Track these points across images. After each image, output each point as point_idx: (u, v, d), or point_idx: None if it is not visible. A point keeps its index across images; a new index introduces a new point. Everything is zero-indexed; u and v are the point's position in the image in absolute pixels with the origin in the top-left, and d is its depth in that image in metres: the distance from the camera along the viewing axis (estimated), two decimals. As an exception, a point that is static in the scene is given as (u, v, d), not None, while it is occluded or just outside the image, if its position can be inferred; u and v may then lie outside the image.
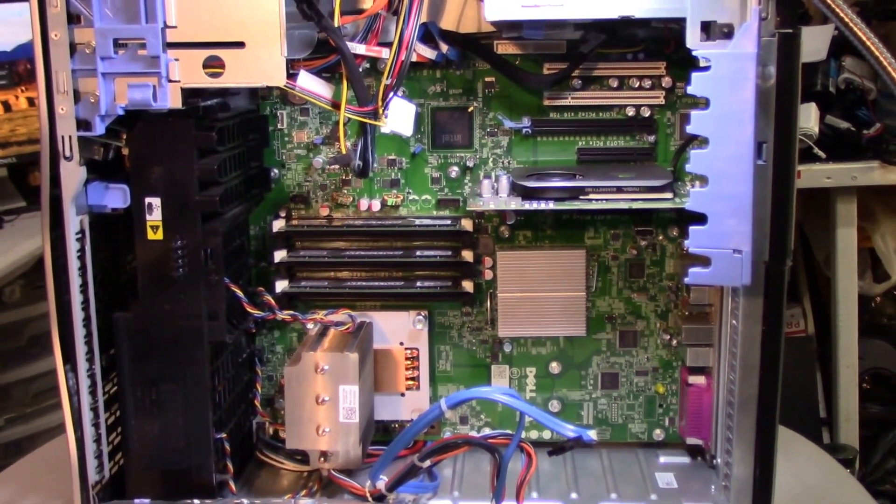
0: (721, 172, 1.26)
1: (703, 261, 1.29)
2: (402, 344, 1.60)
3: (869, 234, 2.85)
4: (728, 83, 1.24)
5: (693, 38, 1.27)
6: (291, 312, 1.52)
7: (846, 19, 1.16)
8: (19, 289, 2.81)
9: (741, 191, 1.26)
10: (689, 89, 1.25)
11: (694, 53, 1.26)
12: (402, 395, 1.61)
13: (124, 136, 1.33)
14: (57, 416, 1.34)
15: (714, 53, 1.24)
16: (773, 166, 1.26)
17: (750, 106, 1.24)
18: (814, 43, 2.59)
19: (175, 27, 1.25)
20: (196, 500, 1.41)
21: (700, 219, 1.27)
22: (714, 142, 1.25)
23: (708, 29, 1.27)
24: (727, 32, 1.26)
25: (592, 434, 1.34)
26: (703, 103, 1.25)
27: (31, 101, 2.92)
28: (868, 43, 1.16)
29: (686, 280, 1.31)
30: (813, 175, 2.60)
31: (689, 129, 1.26)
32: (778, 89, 1.24)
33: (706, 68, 1.24)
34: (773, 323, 1.32)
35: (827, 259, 2.86)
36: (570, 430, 1.32)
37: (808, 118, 2.58)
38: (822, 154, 2.61)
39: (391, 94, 1.38)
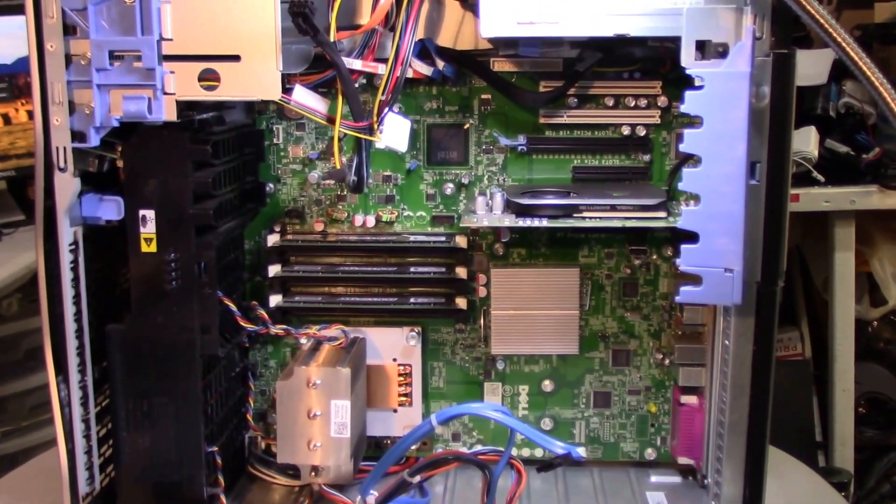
0: (713, 191, 1.26)
1: (695, 279, 1.29)
2: (395, 360, 1.60)
3: (867, 259, 2.85)
4: (721, 102, 1.24)
5: (687, 57, 1.27)
6: (284, 327, 1.52)
7: (842, 42, 1.16)
8: (17, 302, 2.81)
9: (733, 210, 1.26)
10: (683, 108, 1.25)
11: (688, 72, 1.26)
12: (395, 411, 1.61)
13: (119, 149, 1.33)
14: (53, 429, 1.34)
15: (708, 72, 1.25)
16: (766, 186, 1.27)
17: (743, 125, 1.24)
18: (814, 66, 2.59)
19: (171, 40, 1.25)
20: (186, 513, 1.41)
21: (692, 237, 1.27)
22: (707, 160, 1.25)
23: (703, 48, 1.28)
24: (722, 52, 1.26)
25: (581, 451, 1.34)
26: (697, 123, 1.26)
27: (31, 114, 2.89)
28: (863, 66, 1.16)
29: (677, 298, 1.31)
30: (812, 199, 2.60)
31: (683, 147, 1.26)
32: (772, 109, 1.25)
33: (700, 87, 1.25)
34: (764, 343, 1.32)
35: (825, 283, 2.86)
36: (559, 447, 1.32)
37: (808, 141, 2.59)
38: (820, 178, 2.61)
39: (386, 109, 1.39)
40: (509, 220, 1.44)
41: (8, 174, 2.96)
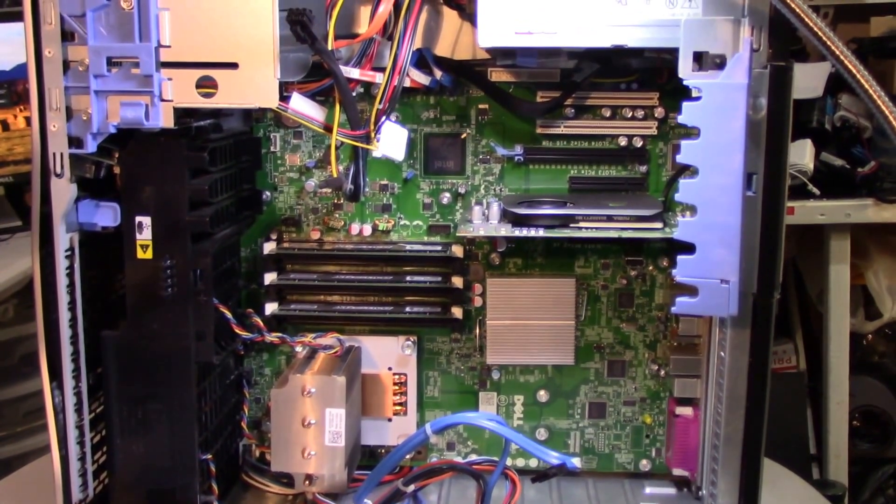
0: (710, 202, 1.26)
1: (691, 290, 1.29)
2: (390, 369, 1.60)
3: (862, 272, 2.85)
4: (718, 113, 1.24)
5: (685, 68, 1.27)
6: (280, 335, 1.52)
7: (839, 54, 1.16)
8: (12, 307, 2.81)
9: (729, 221, 1.26)
10: (680, 118, 1.25)
11: (685, 83, 1.26)
12: (390, 420, 1.61)
13: (116, 155, 1.33)
14: (47, 435, 1.34)
15: (705, 83, 1.25)
16: (762, 198, 1.27)
17: (740, 136, 1.24)
18: (810, 80, 2.59)
19: (169, 47, 1.25)
20: (180, 521, 1.41)
21: (688, 248, 1.27)
22: (703, 171, 1.25)
23: (700, 59, 1.28)
24: (719, 63, 1.27)
25: (576, 462, 1.34)
26: (694, 134, 1.26)
27: (29, 121, 2.91)
28: (860, 78, 1.16)
29: (673, 309, 1.30)
30: (807, 211, 2.60)
31: (679, 158, 1.26)
32: (769, 121, 1.25)
33: (697, 98, 1.25)
34: (759, 355, 1.32)
35: (820, 295, 2.86)
36: (554, 457, 1.32)
37: (804, 155, 2.59)
38: (816, 191, 2.61)
39: (383, 118, 1.39)
40: (505, 230, 1.44)
41: (6, 180, 2.96)
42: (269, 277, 1.57)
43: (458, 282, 1.56)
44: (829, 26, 1.16)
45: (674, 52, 1.28)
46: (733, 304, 1.28)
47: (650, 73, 1.51)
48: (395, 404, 1.61)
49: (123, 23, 1.24)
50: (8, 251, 2.87)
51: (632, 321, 1.60)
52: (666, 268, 1.57)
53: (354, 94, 1.43)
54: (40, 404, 1.33)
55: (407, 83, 1.43)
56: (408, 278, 1.58)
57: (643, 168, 1.56)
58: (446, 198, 1.57)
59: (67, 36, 1.25)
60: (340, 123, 1.36)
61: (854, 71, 1.15)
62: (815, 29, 1.16)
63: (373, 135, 1.38)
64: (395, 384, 1.61)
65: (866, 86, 1.15)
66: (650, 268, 1.58)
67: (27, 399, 2.82)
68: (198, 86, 1.27)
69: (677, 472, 1.57)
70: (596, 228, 1.43)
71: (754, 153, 1.26)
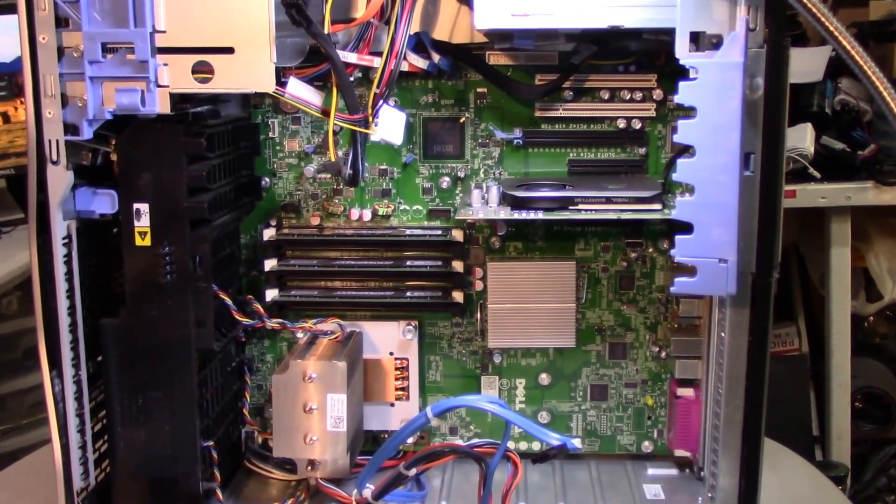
0: (707, 181, 1.25)
1: (690, 270, 1.28)
2: (391, 354, 1.60)
3: (863, 254, 2.86)
4: (715, 92, 1.23)
5: (682, 49, 1.26)
6: (280, 321, 1.52)
7: (838, 36, 1.15)
8: (16, 300, 2.81)
9: (727, 200, 1.25)
10: (677, 98, 1.25)
11: (682, 62, 1.25)
12: (392, 405, 1.61)
13: (113, 141, 1.33)
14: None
15: (701, 62, 1.24)
16: (760, 177, 1.26)
17: (737, 115, 1.23)
18: (811, 64, 2.60)
19: (164, 32, 1.25)
20: (182, 508, 1.41)
21: (686, 228, 1.27)
22: (701, 151, 1.25)
23: (697, 40, 1.27)
24: (716, 43, 1.26)
25: (577, 442, 1.33)
26: (692, 115, 1.25)
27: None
28: (860, 60, 1.15)
29: (672, 289, 1.30)
30: (808, 195, 2.61)
31: (676, 137, 1.26)
32: (766, 100, 1.24)
33: (694, 78, 1.24)
34: (759, 335, 1.31)
35: (822, 278, 2.87)
36: (554, 439, 1.32)
37: (804, 138, 2.59)
38: (817, 174, 2.61)
39: (381, 102, 1.38)
40: (505, 213, 1.44)
41: (7, 172, 2.96)
42: (270, 264, 1.57)
43: (458, 266, 1.56)
44: (829, 10, 1.16)
45: (671, 34, 1.28)
46: (732, 283, 1.28)
47: (648, 55, 1.51)
48: (397, 389, 1.61)
49: (118, 8, 1.23)
50: (11, 243, 2.88)
51: (632, 303, 1.60)
52: (666, 250, 1.56)
53: (352, 78, 1.43)
54: (44, 396, 1.33)
55: (405, 67, 1.43)
56: (408, 263, 1.58)
57: (642, 150, 1.56)
58: (446, 182, 1.57)
59: (61, 22, 1.24)
60: (338, 108, 1.35)
61: (851, 51, 1.14)
62: (812, 8, 1.15)
63: (371, 119, 1.38)
64: (396, 369, 1.61)
65: (864, 66, 1.14)
66: (650, 250, 1.58)
67: (31, 392, 2.84)
68: (194, 71, 1.27)
69: (679, 452, 1.58)
70: (595, 210, 1.43)
71: (752, 133, 1.25)
